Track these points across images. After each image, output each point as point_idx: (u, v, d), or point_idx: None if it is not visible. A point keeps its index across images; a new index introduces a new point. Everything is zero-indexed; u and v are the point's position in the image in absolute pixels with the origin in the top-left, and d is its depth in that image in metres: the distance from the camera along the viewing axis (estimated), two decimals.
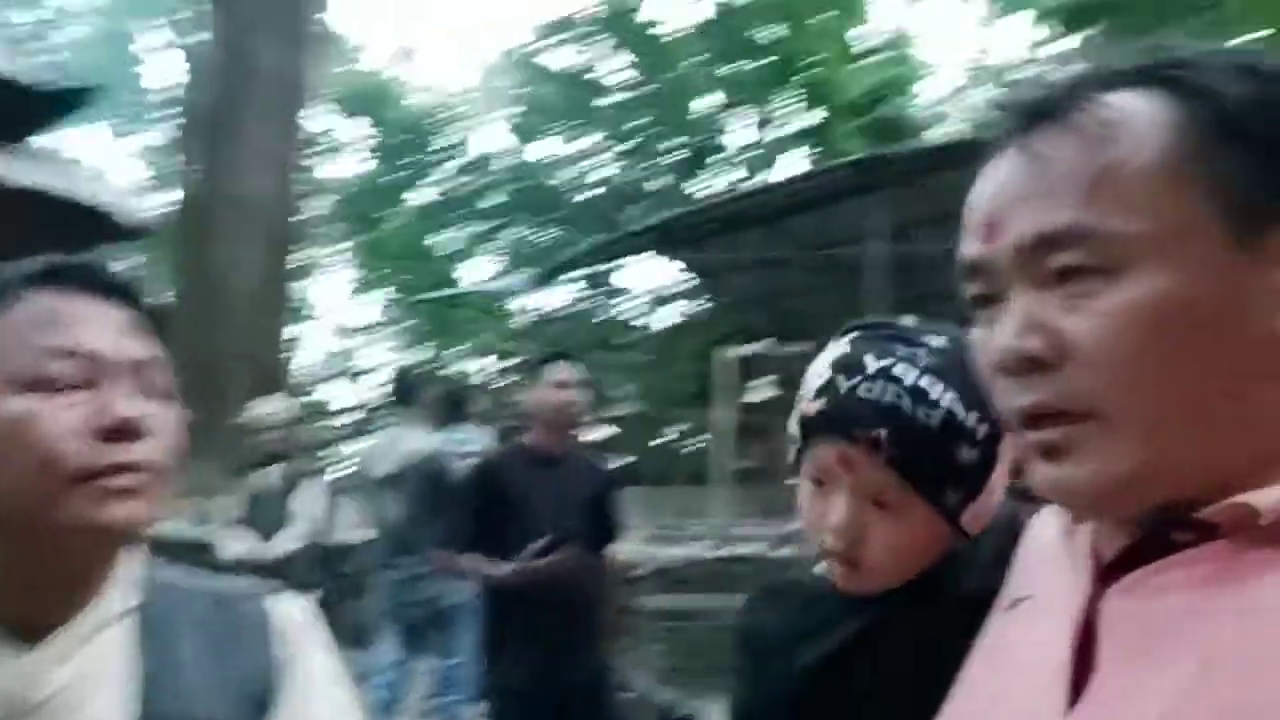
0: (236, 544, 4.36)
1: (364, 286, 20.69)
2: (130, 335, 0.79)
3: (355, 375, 18.73)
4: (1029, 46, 16.52)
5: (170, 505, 0.78)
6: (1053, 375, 0.54)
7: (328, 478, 5.23)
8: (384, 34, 39.57)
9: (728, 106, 17.83)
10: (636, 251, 11.45)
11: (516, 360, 14.14)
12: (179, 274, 10.19)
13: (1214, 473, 0.53)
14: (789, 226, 9.67)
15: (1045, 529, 0.69)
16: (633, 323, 15.92)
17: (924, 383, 0.87)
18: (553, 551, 2.84)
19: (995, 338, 0.57)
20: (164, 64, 21.18)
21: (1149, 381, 0.52)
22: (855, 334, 0.94)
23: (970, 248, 0.59)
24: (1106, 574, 0.57)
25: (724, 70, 17.21)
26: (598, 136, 18.51)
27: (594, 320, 15.57)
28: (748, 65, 16.94)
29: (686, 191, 17.12)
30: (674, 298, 15.00)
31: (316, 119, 12.79)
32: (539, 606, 2.87)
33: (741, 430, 9.48)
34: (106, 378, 0.76)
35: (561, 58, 18.44)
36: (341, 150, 19.97)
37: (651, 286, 15.50)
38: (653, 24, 17.63)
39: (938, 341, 0.90)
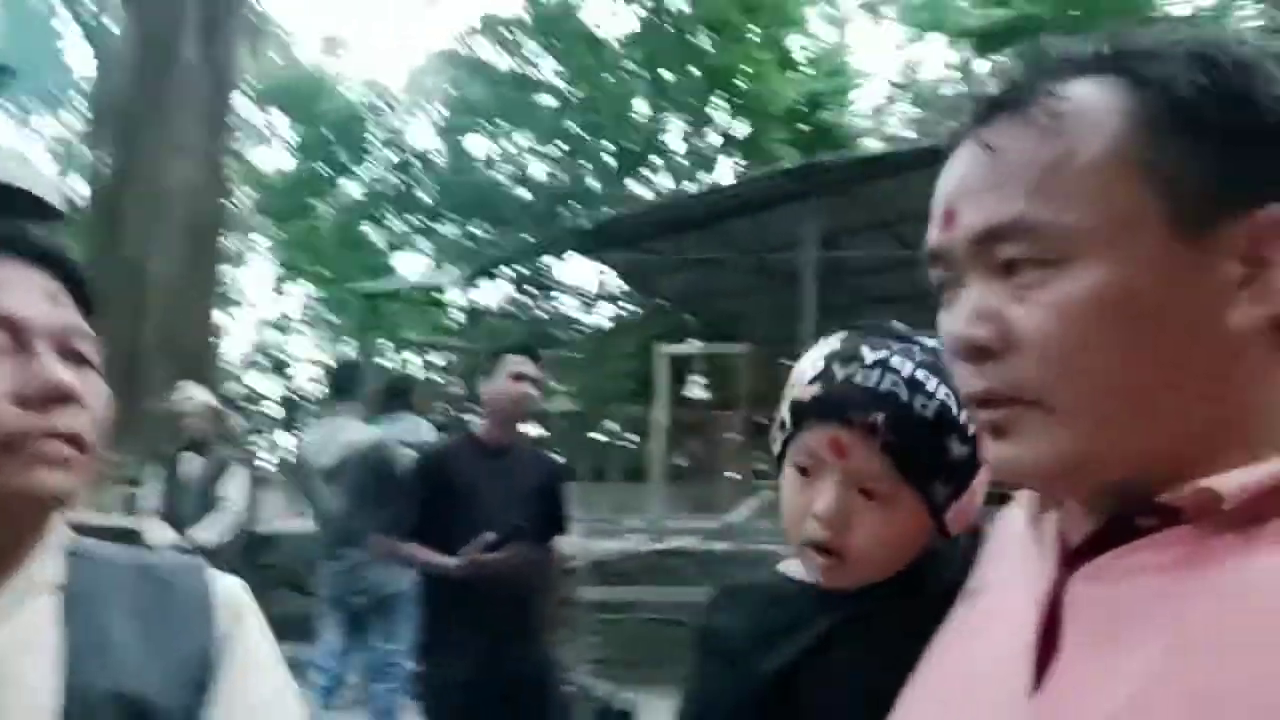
0: (161, 533, 4.27)
1: (290, 277, 20.28)
2: (58, 302, 0.76)
3: (281, 366, 18.35)
4: (946, 66, 17.07)
5: (96, 486, 0.79)
6: (1000, 363, 0.55)
7: (252, 467, 5.14)
8: (315, 26, 38.69)
9: (661, 111, 17.96)
10: (570, 251, 11.46)
11: (449, 356, 14.01)
12: (92, 260, 9.87)
13: (1162, 459, 0.53)
14: (723, 230, 9.80)
15: (1013, 518, 0.69)
16: (569, 321, 15.92)
17: (920, 375, 0.88)
18: (502, 547, 2.81)
19: (949, 324, 0.58)
20: (79, 50, 20.46)
21: (1090, 371, 0.53)
22: (849, 331, 0.94)
23: (931, 235, 0.60)
24: (1073, 559, 0.57)
25: (657, 76, 17.32)
26: (531, 136, 18.47)
27: (529, 318, 15.52)
28: (681, 72, 17.08)
29: (622, 194, 17.19)
30: (609, 297, 15.05)
31: (244, 109, 12.52)
32: (484, 598, 2.83)
33: (676, 428, 9.57)
34: (34, 343, 0.73)
35: (493, 56, 18.34)
36: (270, 141, 19.55)
37: (587, 286, 15.56)
38: (588, 27, 17.65)
39: (931, 342, 0.91)
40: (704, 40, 16.81)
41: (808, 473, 0.91)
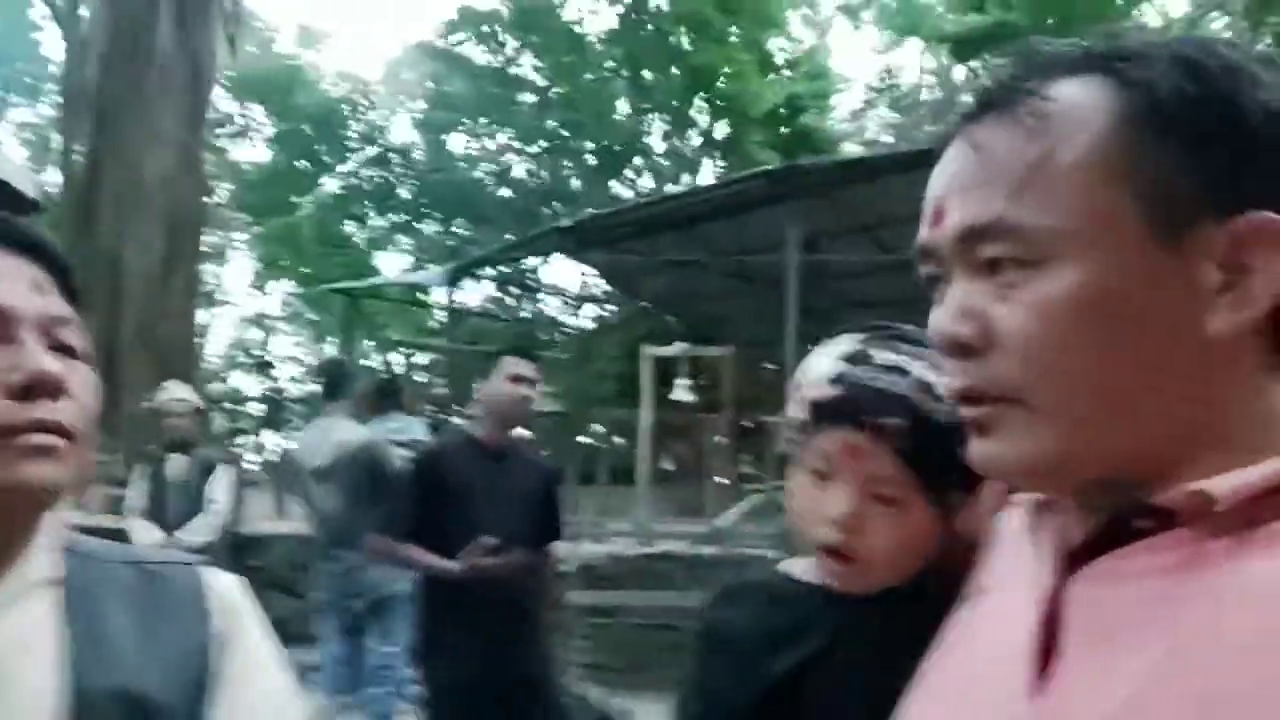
0: (147, 533, 4.26)
1: (270, 275, 20.08)
2: (44, 292, 0.75)
3: (263, 365, 18.17)
4: (923, 72, 17.22)
5: (85, 478, 0.77)
6: (982, 361, 0.56)
7: (238, 467, 5.13)
8: (294, 18, 38.27)
9: (642, 112, 17.96)
10: (552, 251, 11.44)
11: (432, 356, 13.94)
12: (68, 252, 9.73)
13: (1140, 459, 0.54)
14: (704, 233, 9.82)
15: (1013, 519, 0.69)
16: (553, 322, 15.88)
17: (932, 379, 0.86)
18: (502, 551, 2.81)
19: (934, 320, 0.59)
20: (49, 39, 20.15)
21: (1069, 372, 0.53)
22: (858, 333, 0.94)
23: (921, 231, 0.61)
24: (1071, 561, 0.57)
25: (638, 75, 17.32)
26: (511, 133, 18.40)
27: (513, 319, 15.47)
28: (662, 72, 17.09)
29: (604, 194, 17.17)
30: (593, 299, 15.03)
31: (223, 101, 12.37)
32: (481, 602, 2.84)
33: (661, 431, 9.57)
34: (20, 333, 0.71)
35: (473, 52, 18.24)
36: (248, 135, 19.35)
37: (570, 286, 15.54)
38: (566, 23, 17.60)
39: None
40: (684, 40, 16.85)
41: (821, 475, 0.91)
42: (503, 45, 18.01)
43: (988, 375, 0.56)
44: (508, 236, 13.99)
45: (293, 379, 18.16)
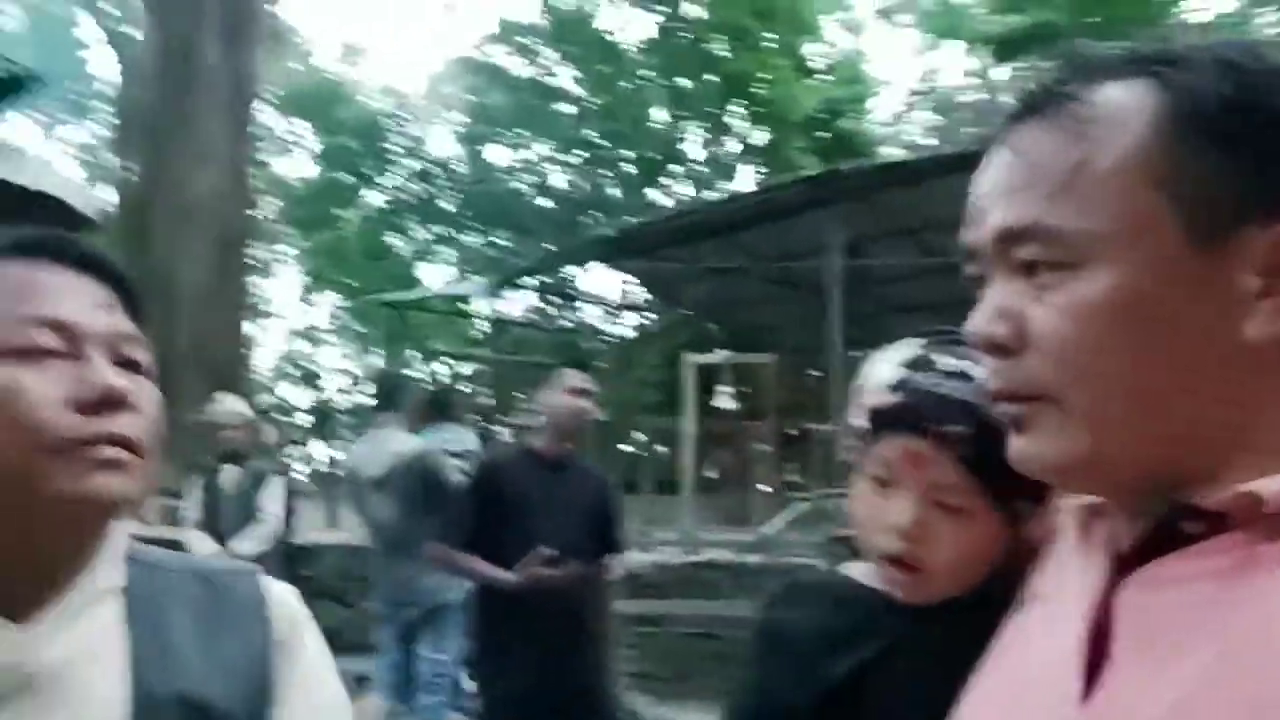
0: (202, 544, 4.35)
1: (316, 288, 20.39)
2: (109, 309, 0.77)
3: (310, 377, 18.44)
4: (964, 74, 17.05)
5: (150, 490, 0.79)
6: (1018, 361, 0.57)
7: (289, 478, 5.22)
8: (337, 35, 38.95)
9: (680, 119, 17.98)
10: (592, 260, 11.49)
11: (477, 366, 14.04)
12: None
13: (1174, 461, 0.54)
14: (745, 239, 9.81)
15: (1064, 525, 0.70)
16: (594, 331, 15.94)
17: None
18: (560, 563, 2.83)
19: (974, 320, 0.59)
20: (102, 58, 20.67)
21: (1103, 373, 0.54)
22: (921, 339, 0.93)
23: (966, 232, 0.61)
24: (1121, 567, 0.57)
25: (676, 84, 17.34)
26: (551, 144, 18.52)
27: (555, 328, 15.57)
28: (698, 80, 17.10)
29: (642, 202, 17.22)
30: (633, 307, 15.07)
31: (266, 117, 12.58)
32: (538, 612, 2.86)
33: (704, 439, 9.55)
34: (88, 349, 0.73)
35: (512, 65, 18.40)
36: (292, 150, 19.68)
37: (611, 295, 15.59)
38: (607, 34, 17.69)
39: None
40: (720, 48, 16.85)
41: (882, 483, 0.90)
42: (540, 57, 18.15)
43: (1023, 375, 0.57)
44: (548, 246, 14.08)
45: (340, 390, 18.47)
